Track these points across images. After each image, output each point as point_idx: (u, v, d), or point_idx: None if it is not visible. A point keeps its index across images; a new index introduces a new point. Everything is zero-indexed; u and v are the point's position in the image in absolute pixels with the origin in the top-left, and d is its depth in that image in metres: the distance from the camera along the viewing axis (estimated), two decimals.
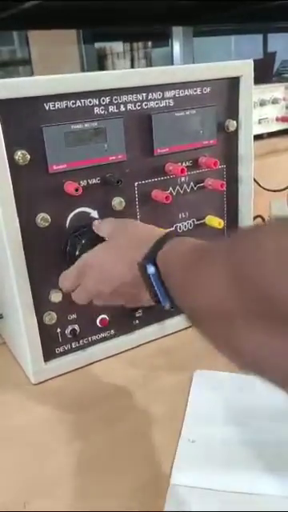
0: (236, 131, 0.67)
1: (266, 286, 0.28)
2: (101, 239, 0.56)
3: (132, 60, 2.84)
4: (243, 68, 0.64)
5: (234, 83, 0.65)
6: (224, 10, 1.47)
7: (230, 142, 0.67)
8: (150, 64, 2.72)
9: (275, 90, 1.06)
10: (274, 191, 1.00)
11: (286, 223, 0.31)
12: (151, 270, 0.42)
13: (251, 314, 0.29)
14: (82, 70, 2.04)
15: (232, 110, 0.66)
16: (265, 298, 0.28)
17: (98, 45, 2.38)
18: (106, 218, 0.57)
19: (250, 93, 0.66)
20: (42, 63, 2.02)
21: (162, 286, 0.42)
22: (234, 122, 0.66)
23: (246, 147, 0.68)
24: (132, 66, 2.64)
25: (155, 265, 0.42)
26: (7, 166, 0.51)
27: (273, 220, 0.30)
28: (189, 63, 1.64)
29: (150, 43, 2.72)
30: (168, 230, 0.47)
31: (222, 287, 0.31)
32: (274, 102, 1.06)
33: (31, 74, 2.14)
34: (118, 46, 2.66)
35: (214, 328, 0.34)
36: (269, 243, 0.29)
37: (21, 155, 0.52)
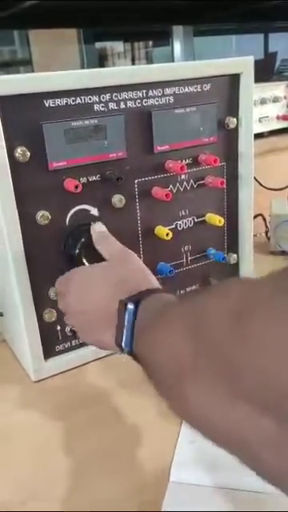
0: (236, 128, 0.67)
1: (220, 345, 0.27)
2: None
3: (133, 60, 2.85)
4: (243, 65, 0.64)
5: (234, 80, 0.65)
6: (224, 10, 1.47)
7: (230, 139, 0.67)
8: (150, 63, 2.72)
9: (276, 89, 1.05)
10: (275, 190, 1.00)
11: (252, 282, 0.30)
12: (131, 307, 0.41)
13: (203, 371, 0.28)
14: (83, 69, 2.04)
15: (232, 108, 0.66)
16: (218, 356, 0.27)
17: (98, 45, 2.38)
18: (108, 238, 0.55)
19: (251, 90, 0.66)
20: (42, 63, 2.02)
21: (132, 327, 0.41)
22: (234, 119, 0.66)
23: (246, 144, 0.68)
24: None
25: (136, 307, 0.41)
26: (7, 163, 0.51)
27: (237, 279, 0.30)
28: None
29: (150, 43, 2.72)
30: (156, 287, 0.45)
31: (179, 341, 0.31)
32: (275, 100, 1.06)
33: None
34: (118, 46, 2.67)
35: (167, 380, 0.33)
36: (228, 301, 0.28)
37: (21, 152, 0.52)
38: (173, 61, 1.80)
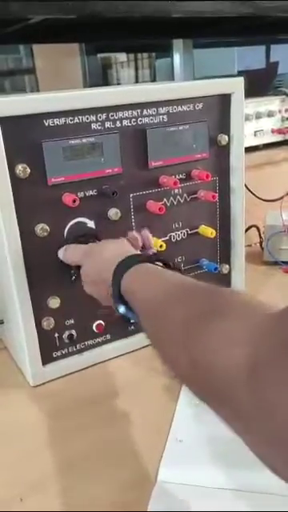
0: (228, 145, 0.70)
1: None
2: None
3: (136, 69, 2.88)
4: (234, 85, 0.67)
5: (225, 99, 0.68)
6: (225, 25, 1.50)
7: (222, 155, 0.70)
8: (153, 73, 2.75)
9: (270, 103, 1.09)
10: (269, 201, 1.03)
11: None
12: (122, 309, 0.47)
13: None
14: (85, 79, 2.08)
15: (224, 125, 0.69)
16: None
17: (102, 54, 2.42)
18: (68, 246, 0.60)
19: (242, 108, 0.69)
20: (46, 72, 2.06)
21: (132, 312, 0.47)
22: (226, 136, 0.69)
23: (237, 160, 0.71)
24: (136, 76, 2.67)
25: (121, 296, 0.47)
26: (8, 178, 0.54)
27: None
28: (189, 74, 1.67)
29: (153, 53, 2.75)
30: (125, 257, 0.50)
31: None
32: (270, 114, 1.09)
33: (36, 82, 2.18)
34: (122, 56, 2.69)
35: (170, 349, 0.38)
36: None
37: (21, 169, 0.55)
38: (173, 73, 1.83)
